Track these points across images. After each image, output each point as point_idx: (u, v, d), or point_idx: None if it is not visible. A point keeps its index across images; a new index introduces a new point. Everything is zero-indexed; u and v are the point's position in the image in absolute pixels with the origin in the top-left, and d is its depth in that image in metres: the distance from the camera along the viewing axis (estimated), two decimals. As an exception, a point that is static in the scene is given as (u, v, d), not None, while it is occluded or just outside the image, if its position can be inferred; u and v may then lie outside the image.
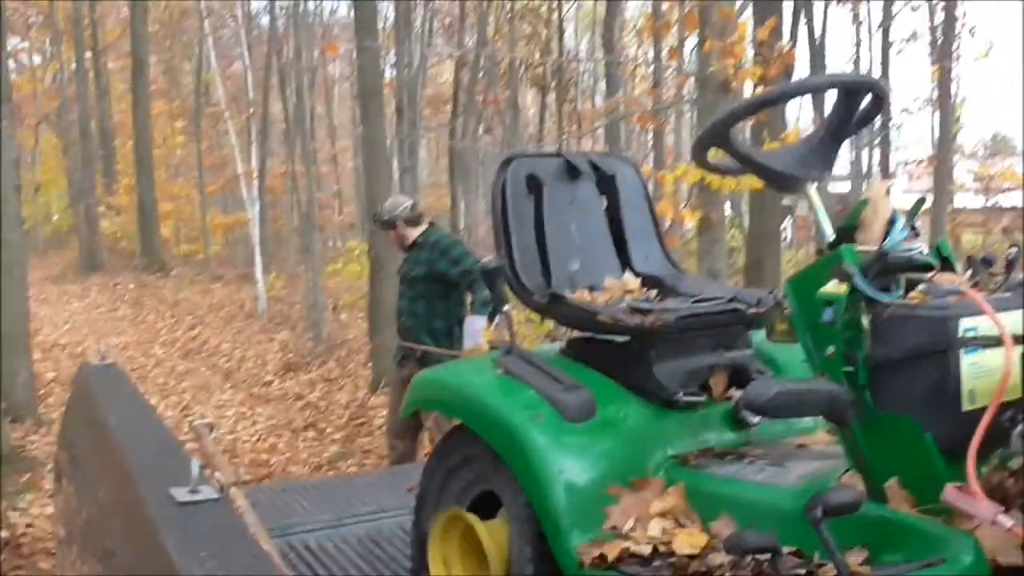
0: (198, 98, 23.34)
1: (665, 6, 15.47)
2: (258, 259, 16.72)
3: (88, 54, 23.13)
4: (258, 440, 7.94)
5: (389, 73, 18.20)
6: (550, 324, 5.83)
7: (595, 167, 2.76)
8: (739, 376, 2.35)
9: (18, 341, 7.94)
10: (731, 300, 2.35)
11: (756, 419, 2.29)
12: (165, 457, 1.81)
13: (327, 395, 9.61)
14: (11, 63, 12.15)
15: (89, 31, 22.87)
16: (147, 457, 1.81)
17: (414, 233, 5.20)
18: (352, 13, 13.22)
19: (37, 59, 29.35)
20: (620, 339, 2.38)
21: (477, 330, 4.80)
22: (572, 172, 2.71)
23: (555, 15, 19.36)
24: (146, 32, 17.48)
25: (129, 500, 1.64)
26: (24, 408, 7.84)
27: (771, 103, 1.95)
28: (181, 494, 1.48)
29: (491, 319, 4.74)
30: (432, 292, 5.08)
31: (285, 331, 14.15)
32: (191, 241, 26.79)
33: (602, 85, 23.15)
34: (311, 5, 19.33)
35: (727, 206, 7.41)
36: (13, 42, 23.33)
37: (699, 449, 2.22)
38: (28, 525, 4.91)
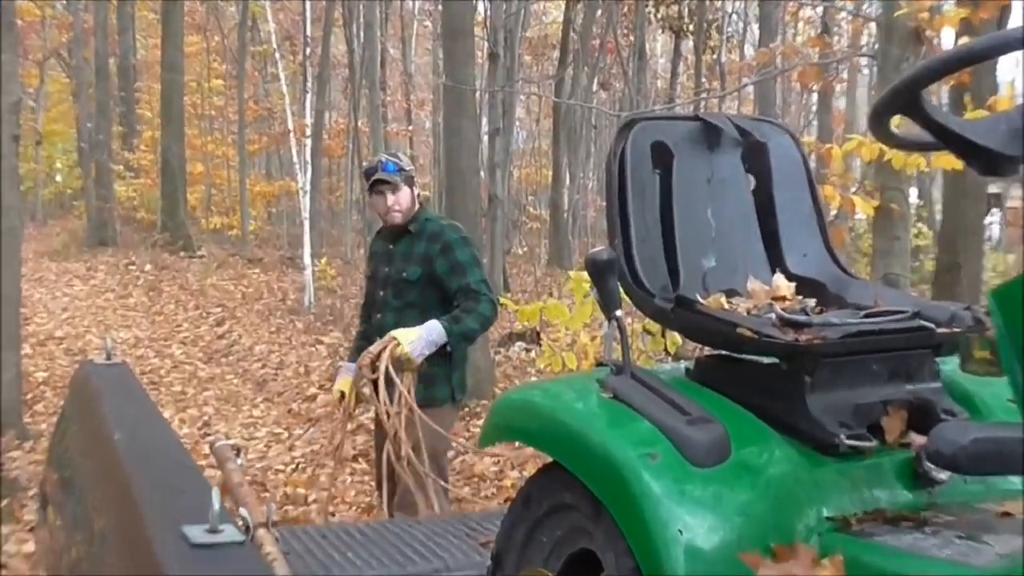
0: (243, 33, 23.92)
1: (844, -72, 15.23)
2: (307, 239, 17.04)
3: (110, -26, 23.94)
4: (295, 469, 8.09)
5: (482, 8, 18.35)
6: (675, 338, 5.82)
7: (742, 133, 2.73)
8: (922, 416, 2.29)
9: (6, 331, 8.23)
10: (915, 316, 2.29)
11: (944, 475, 2.23)
12: (180, 485, 1.85)
13: (385, 416, 9.73)
14: (16, -16, 12.83)
15: (113, -55, 23.67)
16: (158, 484, 1.86)
17: (415, 207, 4.84)
18: (437, -70, 13.36)
19: (48, -21, 30.48)
20: (765, 360, 2.35)
21: (431, 342, 4.43)
22: (711, 140, 2.69)
23: (698, -63, 19.18)
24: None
25: (132, 537, 1.68)
26: (7, 415, 8.10)
27: (978, 58, 1.89)
28: (197, 534, 1.51)
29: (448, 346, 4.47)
30: (427, 302, 4.70)
31: (336, 332, 14.38)
32: (224, 213, 27.51)
33: (754, 30, 22.92)
34: (386, -81, 19.59)
35: (913, 192, 7.24)
36: (19, -42, 24.26)
37: (865, 510, 2.18)
38: (1, 565, 5.08)
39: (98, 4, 24.46)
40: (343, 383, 4.77)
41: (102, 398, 2.58)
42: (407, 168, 4.79)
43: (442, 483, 4.59)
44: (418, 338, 4.41)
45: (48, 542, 2.77)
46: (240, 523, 2.10)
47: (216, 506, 1.56)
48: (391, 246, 4.81)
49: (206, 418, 9.76)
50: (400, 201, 4.73)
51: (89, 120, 24.75)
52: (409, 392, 4.41)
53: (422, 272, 4.66)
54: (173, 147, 21.49)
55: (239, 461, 3.31)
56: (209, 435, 8.73)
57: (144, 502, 1.73)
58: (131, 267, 20.15)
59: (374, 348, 4.43)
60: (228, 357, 13.02)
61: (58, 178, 35.86)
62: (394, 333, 4.43)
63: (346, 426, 4.82)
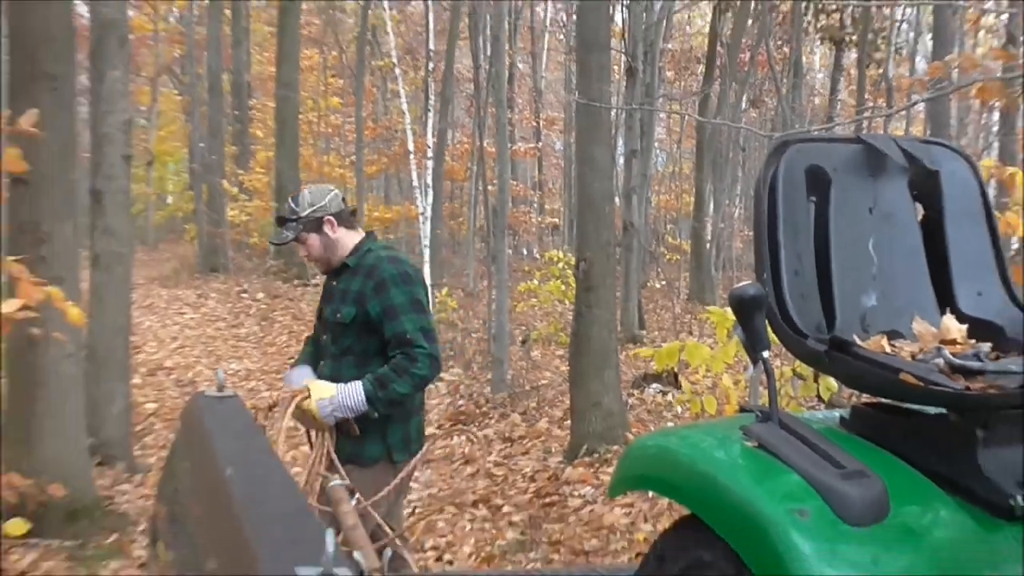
0: (362, 47, 24.38)
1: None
2: (427, 268, 17.27)
3: (225, -15, 24.69)
4: (411, 514, 8.17)
5: (620, 18, 18.42)
6: (829, 383, 5.74)
7: (910, 159, 2.70)
8: (1108, 477, 2.23)
9: (115, 360, 8.53)
10: (1105, 364, 2.23)
11: None
12: (293, 525, 1.89)
13: (507, 460, 9.78)
14: (130, -4, 13.35)
15: (229, -45, 24.42)
16: (271, 523, 1.91)
17: (350, 242, 4.50)
18: (573, -65, 13.47)
19: (162, -8, 31.59)
20: (932, 411, 2.31)
21: (346, 407, 4.19)
22: (875, 165, 2.67)
23: (862, -60, 18.94)
24: (300, -43, 18.50)
25: (244, 577, 1.72)
26: (116, 447, 8.40)
27: None
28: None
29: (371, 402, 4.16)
30: (366, 348, 4.35)
31: (457, 368, 14.51)
32: (340, 239, 27.92)
33: (927, 41, 22.49)
34: (518, -76, 19.83)
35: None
36: (134, -31, 25.21)
37: (1045, 581, 2.13)
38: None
39: (211, 16, 25.23)
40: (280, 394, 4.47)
41: (213, 432, 2.65)
42: (305, 213, 4.43)
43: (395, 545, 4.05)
44: (330, 399, 4.17)
45: (158, 580, 2.85)
46: (354, 568, 2.14)
47: (330, 548, 1.59)
48: (333, 283, 4.52)
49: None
50: (310, 251, 4.50)
51: (201, 140, 25.49)
52: (324, 448, 4.20)
53: (356, 313, 4.32)
54: (287, 168, 21.93)
55: (353, 503, 3.36)
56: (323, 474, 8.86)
57: (257, 542, 1.78)
58: (243, 295, 20.62)
59: (285, 393, 4.29)
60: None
61: (169, 200, 36.97)
62: (310, 383, 4.25)
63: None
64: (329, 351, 4.42)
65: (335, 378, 4.30)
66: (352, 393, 4.16)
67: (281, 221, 4.51)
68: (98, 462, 7.88)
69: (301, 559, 1.59)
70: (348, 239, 4.46)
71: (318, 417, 4.17)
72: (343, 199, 4.53)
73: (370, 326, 4.27)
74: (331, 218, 4.41)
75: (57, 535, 6.51)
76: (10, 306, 4.65)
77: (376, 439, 4.30)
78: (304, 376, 4.42)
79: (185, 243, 30.15)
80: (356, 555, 2.54)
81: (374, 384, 4.15)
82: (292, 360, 4.80)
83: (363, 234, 4.54)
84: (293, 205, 4.47)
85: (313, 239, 4.43)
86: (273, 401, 4.32)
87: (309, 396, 4.18)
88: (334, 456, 4.18)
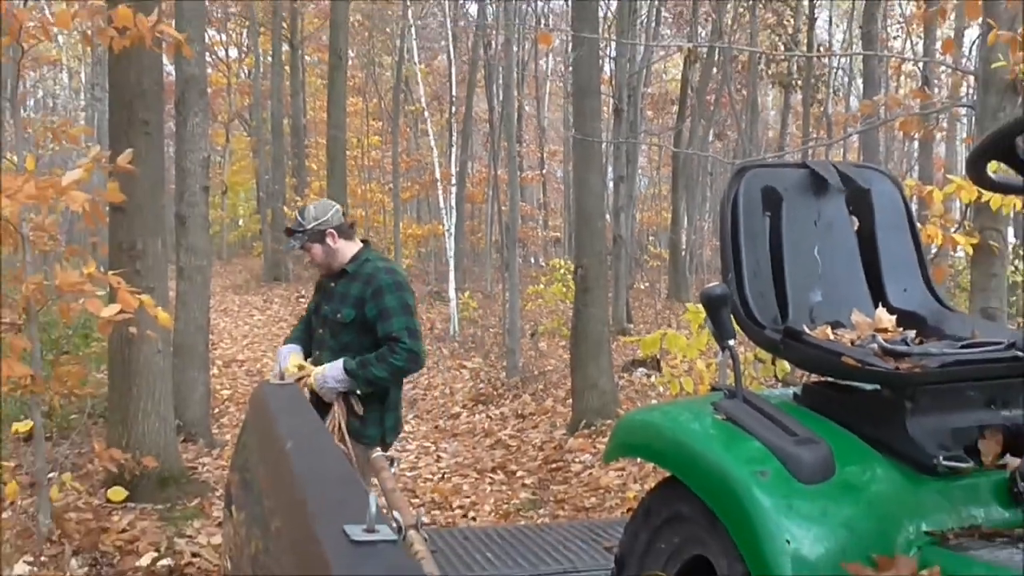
0: (397, 95, 24.42)
1: (942, -11, 14.82)
2: (452, 275, 17.29)
3: (285, 47, 24.75)
4: (441, 479, 8.17)
5: (608, 69, 18.40)
6: (783, 366, 5.71)
7: (846, 180, 2.68)
8: (1017, 440, 2.21)
9: (197, 354, 8.56)
10: (1010, 346, 2.21)
11: (1039, 495, 2.15)
12: (342, 489, 1.89)
13: (519, 433, 9.77)
14: (207, 57, 13.24)
15: (287, 23, 24.48)
16: (324, 488, 1.90)
17: (349, 251, 4.39)
18: (569, 1, 13.47)
19: (233, 52, 31.69)
20: (868, 387, 2.30)
21: (330, 388, 4.16)
22: (818, 185, 2.65)
23: (805, 2, 18.91)
24: (346, 22, 18.49)
25: (302, 534, 1.72)
26: (198, 427, 8.43)
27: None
28: (357, 532, 1.53)
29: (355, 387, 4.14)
30: (363, 344, 4.24)
31: (477, 357, 14.52)
32: (381, 252, 27.95)
33: (859, 84, 22.45)
34: (523, -8, 19.81)
35: (1010, 231, 6.94)
36: (210, 34, 25.25)
37: (962, 526, 2.10)
38: (194, 554, 5.23)
39: (274, 71, 25.30)
40: (293, 359, 4.38)
41: (276, 413, 2.65)
42: (310, 225, 4.32)
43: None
44: (322, 374, 4.15)
45: (232, 536, 2.84)
46: (393, 524, 2.13)
47: (373, 509, 1.58)
48: (332, 284, 4.40)
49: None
50: (314, 258, 4.41)
51: (266, 173, 25.60)
52: (341, 421, 4.17)
53: (355, 314, 4.24)
54: (337, 195, 21.89)
55: (392, 470, 3.36)
56: (387, 449, 8.87)
57: (311, 504, 1.77)
58: (301, 299, 20.64)
59: (289, 378, 4.21)
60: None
61: (240, 223, 37.07)
62: (314, 369, 4.22)
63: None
64: (328, 344, 4.33)
65: None
66: (335, 368, 4.13)
67: (289, 232, 4.44)
68: (183, 439, 7.90)
69: (349, 518, 1.59)
70: (347, 249, 4.36)
71: (318, 389, 4.14)
72: (343, 213, 4.43)
73: (366, 326, 4.21)
74: (332, 231, 4.31)
75: (150, 500, 6.53)
76: (111, 310, 4.67)
77: (375, 424, 4.29)
78: (292, 352, 4.41)
79: (253, 257, 30.21)
80: (395, 514, 2.54)
81: (356, 363, 4.12)
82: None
83: (360, 244, 4.46)
84: (300, 219, 4.39)
85: (316, 248, 4.34)
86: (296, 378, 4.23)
87: (310, 375, 4.18)
88: (344, 431, 4.14)
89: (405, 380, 4.60)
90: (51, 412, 7.61)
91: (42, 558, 4.94)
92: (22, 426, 5.52)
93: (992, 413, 2.25)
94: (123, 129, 6.63)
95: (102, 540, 5.35)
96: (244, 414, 3.78)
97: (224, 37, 30.37)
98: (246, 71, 30.56)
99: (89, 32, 5.97)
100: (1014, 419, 2.25)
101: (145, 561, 5.11)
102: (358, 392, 4.17)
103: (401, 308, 4.18)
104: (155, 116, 6.83)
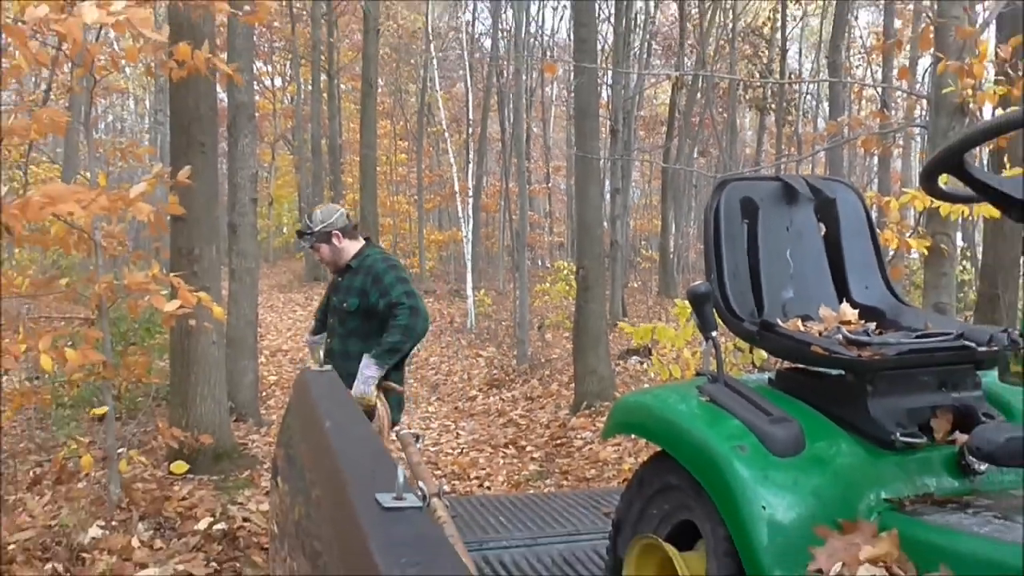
0: (421, 118, 24.43)
1: (897, 24, 14.76)
2: (469, 275, 17.29)
3: (323, 76, 24.77)
4: (460, 453, 8.17)
5: (605, 94, 18.37)
6: (760, 354, 5.70)
7: (814, 191, 2.67)
8: (965, 419, 2.20)
9: (247, 344, 8.58)
10: (959, 337, 2.20)
11: (983, 467, 2.14)
12: (374, 463, 1.89)
13: (528, 413, 9.76)
14: (255, 85, 13.26)
15: (325, 55, 24.50)
16: (358, 461, 1.90)
17: (352, 249, 4.36)
18: (571, 35, 13.44)
19: (278, 81, 31.73)
20: (834, 372, 2.29)
21: (368, 377, 4.08)
22: (789, 196, 2.64)
23: (778, 35, 18.86)
24: (376, 55, 18.50)
25: (339, 502, 1.72)
26: (248, 408, 8.46)
27: (1013, 127, 1.82)
28: (387, 500, 1.53)
29: (384, 375, 4.10)
30: (367, 330, 4.21)
31: (491, 347, 14.50)
32: (407, 255, 28.03)
33: (825, 107, 22.36)
34: (532, 27, 19.81)
35: (958, 235, 6.91)
36: (257, 65, 25.30)
37: (917, 495, 2.10)
38: (245, 519, 5.24)
39: (313, 98, 25.32)
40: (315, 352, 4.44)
41: (316, 396, 2.65)
42: (318, 228, 4.30)
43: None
44: (355, 385, 4.07)
45: (278, 504, 2.85)
46: (419, 493, 2.14)
47: (400, 479, 1.58)
48: (340, 279, 4.38)
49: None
50: (322, 256, 4.37)
51: (307, 186, 25.62)
52: (386, 422, 4.17)
53: (359, 303, 4.20)
54: (368, 206, 21.96)
55: (418, 445, 3.37)
56: (395, 426, 8.88)
57: (347, 475, 1.77)
58: (337, 297, 20.65)
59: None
60: (410, 366, 13.25)
61: (284, 230, 37.09)
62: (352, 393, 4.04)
63: None
64: (337, 331, 4.31)
65: (343, 350, 4.26)
66: (365, 365, 4.09)
67: (300, 234, 4.43)
68: (235, 419, 7.92)
69: (379, 487, 1.59)
70: (351, 247, 4.35)
71: (365, 399, 4.08)
72: (347, 216, 4.41)
73: (370, 312, 4.18)
74: (337, 232, 4.29)
75: (206, 472, 6.54)
76: (173, 306, 4.68)
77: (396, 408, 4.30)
78: (319, 343, 4.45)
79: (296, 260, 30.22)
80: (420, 484, 2.54)
81: (375, 349, 4.10)
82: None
83: (363, 242, 4.43)
84: (308, 222, 4.37)
85: (324, 248, 4.33)
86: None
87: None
88: (387, 429, 4.16)
89: (418, 362, 4.65)
90: (120, 396, 7.64)
91: (113, 523, 4.96)
92: (99, 410, 5.55)
93: (943, 395, 2.25)
94: (182, 149, 6.65)
95: (165, 507, 5.36)
96: (288, 397, 3.79)
97: (270, 68, 30.39)
98: (289, 98, 30.58)
99: (153, 65, 5.99)
100: (963, 400, 2.24)
101: (202, 525, 5.12)
102: (386, 374, 4.15)
103: (397, 280, 4.16)
104: (210, 137, 6.84)
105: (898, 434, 2.14)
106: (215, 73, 5.72)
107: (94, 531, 4.77)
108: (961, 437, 2.16)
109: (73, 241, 5.08)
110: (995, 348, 2.18)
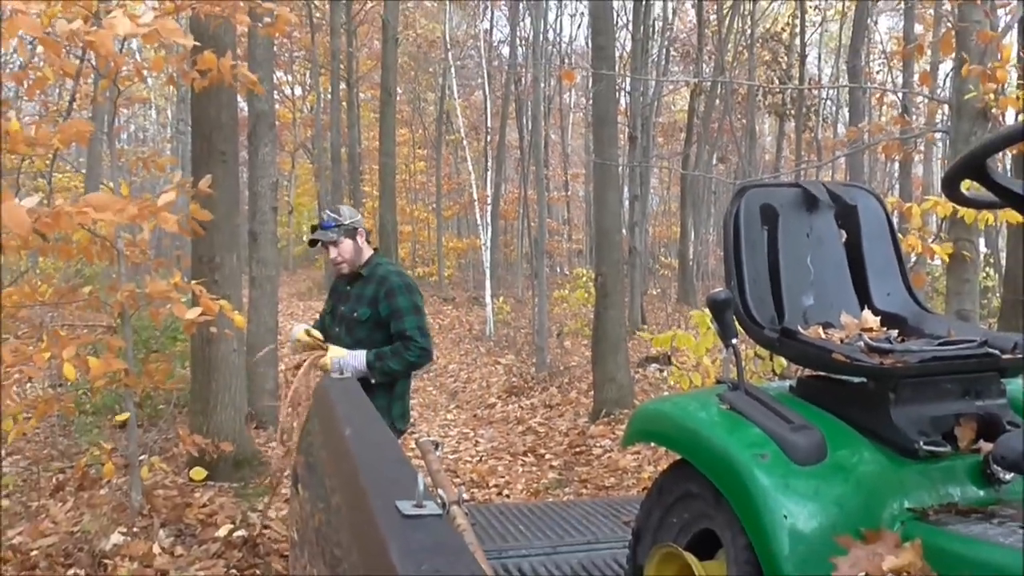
0: (439, 126, 24.50)
1: (918, 28, 14.68)
2: (488, 283, 17.32)
3: (342, 86, 24.90)
4: (479, 461, 8.17)
5: (624, 101, 18.37)
6: (780, 361, 5.66)
7: (834, 197, 2.65)
8: (990, 427, 2.17)
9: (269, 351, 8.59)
10: (982, 344, 2.18)
11: (1009, 476, 2.11)
12: (393, 470, 1.89)
13: (547, 421, 9.75)
14: (275, 94, 13.32)
15: (344, 64, 24.63)
16: (377, 468, 1.90)
17: (367, 254, 4.26)
18: (589, 42, 13.45)
19: (298, 91, 31.89)
20: (856, 380, 2.27)
21: (351, 364, 3.95)
22: (809, 203, 2.63)
23: (797, 40, 18.79)
24: (395, 64, 18.57)
25: (358, 509, 1.72)
26: (268, 415, 8.47)
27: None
28: (406, 507, 1.53)
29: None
30: (376, 340, 4.11)
31: (510, 355, 14.50)
32: (426, 263, 28.14)
33: (845, 113, 22.28)
34: (550, 35, 19.83)
35: (981, 241, 6.86)
36: (277, 75, 25.44)
37: (941, 504, 2.07)
38: (265, 526, 5.26)
39: (333, 107, 25.41)
40: (300, 333, 4.25)
41: (336, 403, 2.66)
42: (346, 222, 4.17)
43: None
44: (341, 357, 3.99)
45: (298, 511, 2.85)
46: (438, 500, 2.13)
47: (420, 487, 1.58)
48: (348, 287, 4.25)
49: (412, 420, 9.93)
50: (342, 253, 4.18)
51: (327, 195, 25.64)
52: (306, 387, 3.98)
53: (370, 313, 4.10)
54: (387, 214, 22.05)
55: (437, 453, 3.36)
56: (414, 433, 8.91)
57: (367, 482, 1.77)
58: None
59: (305, 354, 4.08)
60: (428, 374, 13.28)
61: (304, 239, 37.22)
62: (330, 346, 4.06)
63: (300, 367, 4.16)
64: (344, 341, 4.15)
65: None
66: (357, 357, 4.01)
67: (322, 226, 4.20)
68: (255, 426, 7.94)
69: (399, 495, 1.59)
70: (366, 251, 4.25)
71: (328, 368, 3.95)
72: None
73: (379, 323, 4.10)
74: (362, 231, 4.21)
75: (226, 479, 6.57)
76: (194, 314, 4.71)
77: (384, 413, 4.10)
78: (301, 327, 4.29)
79: (315, 268, 30.39)
80: (440, 492, 2.54)
81: (375, 356, 4.01)
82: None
83: (373, 250, 4.33)
84: (335, 215, 4.21)
85: (347, 244, 4.17)
86: (298, 362, 4.13)
87: (325, 354, 4.02)
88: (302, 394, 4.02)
89: (419, 374, 4.60)
90: (142, 403, 7.69)
91: (134, 529, 4.99)
92: (121, 417, 5.59)
93: (967, 403, 2.22)
94: (203, 158, 6.70)
95: (186, 514, 5.39)
96: (309, 404, 3.78)
97: (290, 77, 30.55)
98: (309, 107, 30.73)
99: (175, 75, 6.03)
100: (987, 408, 2.21)
101: (222, 532, 5.15)
102: (372, 381, 4.07)
103: (412, 309, 4.08)
104: (231, 147, 6.88)
105: (921, 442, 2.12)
106: (236, 82, 5.76)
107: (116, 537, 4.80)
108: (986, 446, 2.14)
109: (96, 250, 5.12)
110: (1020, 355, 2.16)
